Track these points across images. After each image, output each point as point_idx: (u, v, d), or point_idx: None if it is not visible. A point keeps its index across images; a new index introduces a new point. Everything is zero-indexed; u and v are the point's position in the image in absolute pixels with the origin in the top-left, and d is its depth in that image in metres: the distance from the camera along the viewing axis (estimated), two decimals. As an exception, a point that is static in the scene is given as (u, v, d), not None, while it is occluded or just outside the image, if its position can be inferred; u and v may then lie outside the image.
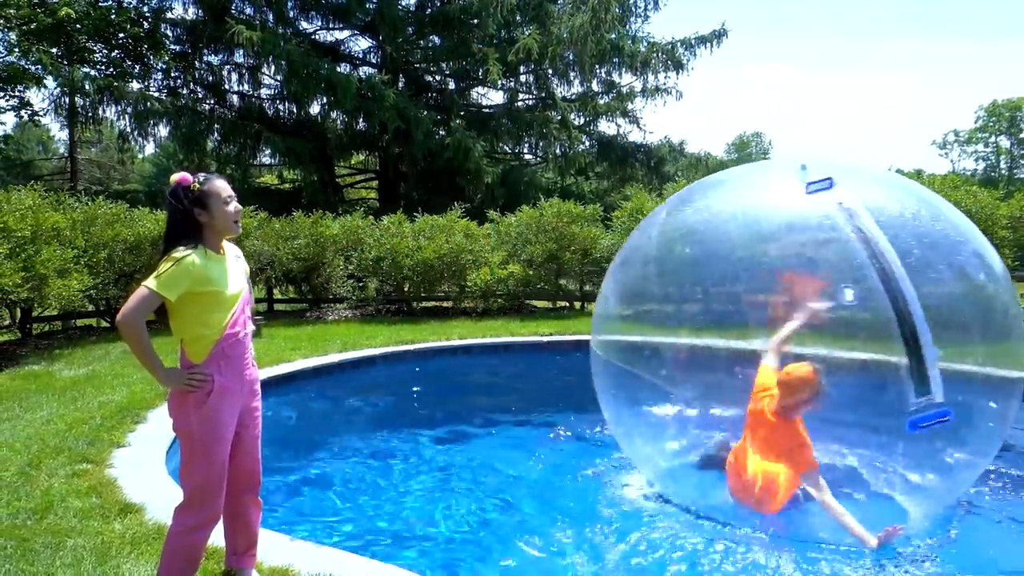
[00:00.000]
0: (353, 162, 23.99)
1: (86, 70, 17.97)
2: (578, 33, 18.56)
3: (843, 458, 4.28)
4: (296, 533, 3.66)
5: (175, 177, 2.66)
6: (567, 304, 13.93)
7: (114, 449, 4.76)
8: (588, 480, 4.70)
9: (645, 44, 21.35)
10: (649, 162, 22.07)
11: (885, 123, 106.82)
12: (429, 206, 15.18)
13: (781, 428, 3.72)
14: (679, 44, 20.76)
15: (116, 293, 10.20)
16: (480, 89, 22.07)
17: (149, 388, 6.33)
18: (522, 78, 21.41)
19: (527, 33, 18.71)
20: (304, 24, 20.53)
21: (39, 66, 17.06)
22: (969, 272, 3.51)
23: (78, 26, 17.23)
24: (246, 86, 20.62)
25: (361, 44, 21.93)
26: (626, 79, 21.95)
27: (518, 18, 19.96)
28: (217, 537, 3.13)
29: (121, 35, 18.45)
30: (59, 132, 38.74)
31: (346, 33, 21.10)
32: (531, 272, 13.00)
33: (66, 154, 27.28)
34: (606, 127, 22.82)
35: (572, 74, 20.88)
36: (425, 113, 18.04)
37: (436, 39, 20.58)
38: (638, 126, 22.75)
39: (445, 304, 13.78)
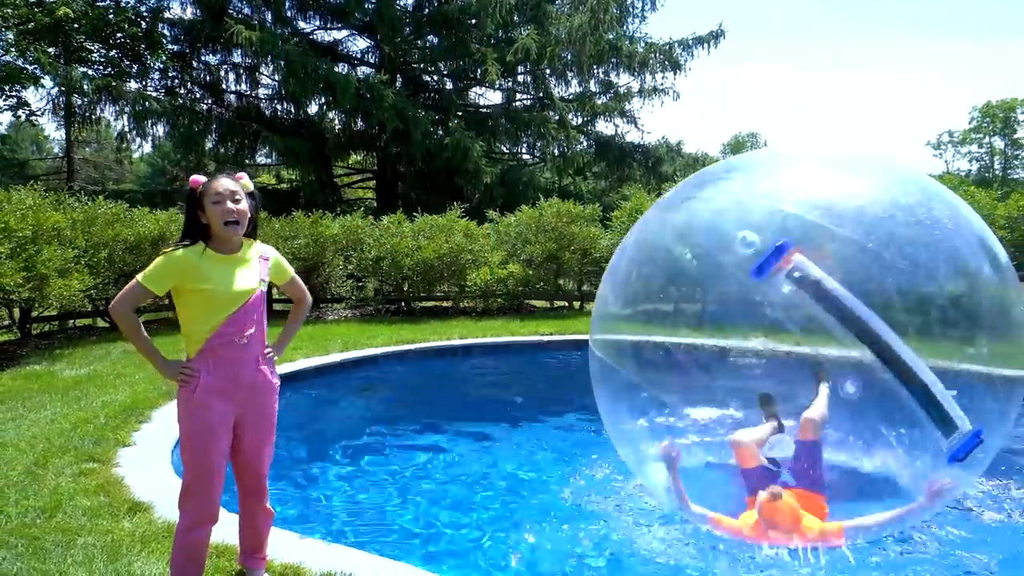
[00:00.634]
0: (350, 162, 24.00)
1: (84, 70, 17.95)
2: (577, 33, 18.61)
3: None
4: (302, 531, 3.68)
5: (190, 179, 2.73)
6: (566, 304, 13.97)
7: (120, 448, 4.77)
8: (592, 479, 4.74)
9: (643, 45, 21.41)
10: (647, 162, 22.12)
11: (879, 123, 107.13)
12: (427, 206, 15.20)
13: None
14: (677, 45, 20.82)
15: (116, 293, 10.17)
16: (478, 89, 22.10)
17: (152, 388, 6.35)
18: (520, 78, 21.45)
19: (525, 33, 18.74)
20: (302, 24, 20.54)
21: (37, 66, 17.02)
22: (974, 267, 3.46)
23: (76, 26, 17.21)
24: (244, 86, 20.63)
25: (359, 44, 21.94)
26: (624, 79, 22.04)
27: (516, 18, 19.99)
28: (231, 535, 3.16)
29: (119, 35, 18.44)
30: (55, 132, 38.67)
31: (344, 33, 21.12)
32: (531, 272, 13.03)
33: (60, 154, 27.25)
34: (604, 127, 22.90)
35: (570, 74, 20.93)
36: (423, 113, 18.06)
37: (434, 39, 20.60)
38: (636, 126, 22.81)
39: (444, 304, 13.80)
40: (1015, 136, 56.95)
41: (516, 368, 8.96)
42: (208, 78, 20.24)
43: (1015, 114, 56.27)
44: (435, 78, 21.71)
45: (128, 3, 19.12)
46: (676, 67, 20.93)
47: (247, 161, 20.19)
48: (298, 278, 3.14)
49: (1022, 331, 3.44)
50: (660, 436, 4.13)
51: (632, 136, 23.59)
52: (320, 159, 19.81)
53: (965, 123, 63.06)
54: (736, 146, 69.03)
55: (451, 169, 18.86)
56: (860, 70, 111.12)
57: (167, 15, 19.66)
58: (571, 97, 21.71)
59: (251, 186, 2.78)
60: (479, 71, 19.42)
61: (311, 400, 7.08)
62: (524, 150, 22.90)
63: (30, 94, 17.73)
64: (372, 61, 20.75)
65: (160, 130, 18.05)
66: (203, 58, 20.15)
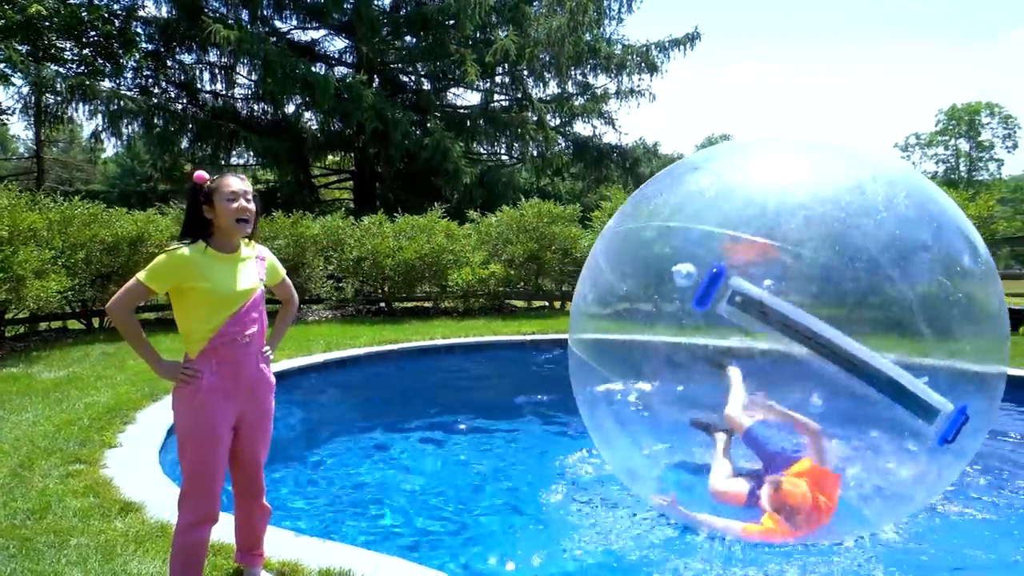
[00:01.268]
0: (327, 162, 23.85)
1: (56, 68, 17.61)
2: (556, 35, 18.72)
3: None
4: (295, 530, 3.68)
5: (195, 175, 2.70)
6: (547, 304, 14.03)
7: (106, 449, 4.72)
8: (576, 475, 4.80)
9: (620, 47, 21.58)
10: (624, 163, 22.30)
11: (848, 125, 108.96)
12: (406, 207, 15.20)
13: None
14: (653, 47, 21.04)
15: (93, 294, 10.04)
16: (456, 90, 22.11)
17: (135, 389, 6.28)
18: (498, 79, 21.49)
19: (505, 35, 18.79)
20: (278, 23, 20.40)
21: (7, 64, 16.67)
22: (955, 260, 3.40)
23: (48, 23, 16.90)
24: (219, 85, 20.40)
25: (336, 44, 21.83)
26: (601, 81, 22.20)
27: (494, 19, 20.04)
28: (227, 534, 3.16)
29: (92, 33, 18.13)
30: (22, 131, 37.88)
31: (321, 33, 21.00)
32: (512, 272, 13.07)
33: (27, 154, 26.69)
34: (582, 128, 23.08)
35: (548, 75, 21.04)
36: (403, 114, 18.01)
37: (413, 40, 20.56)
38: (613, 127, 23.00)
39: (425, 304, 13.79)
40: (980, 139, 58.35)
41: (501, 367, 9.00)
42: (183, 77, 19.99)
43: (979, 117, 57.71)
44: (413, 79, 21.67)
45: (102, 1, 18.82)
46: (653, 69, 21.15)
47: (223, 161, 19.97)
48: (288, 279, 3.16)
49: (1000, 326, 3.50)
50: (637, 435, 4.11)
51: (610, 137, 23.88)
52: (299, 159, 19.67)
53: (932, 126, 64.47)
54: (709, 146, 69.77)
55: (430, 170, 18.84)
56: (830, 72, 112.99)
57: (141, 13, 19.41)
58: (549, 98, 21.81)
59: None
60: (457, 72, 19.42)
61: (295, 401, 7.05)
62: (503, 151, 22.96)
63: None
64: (349, 61, 20.65)
65: (135, 130, 17.74)
66: (178, 57, 19.90)
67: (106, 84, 18.08)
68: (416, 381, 8.29)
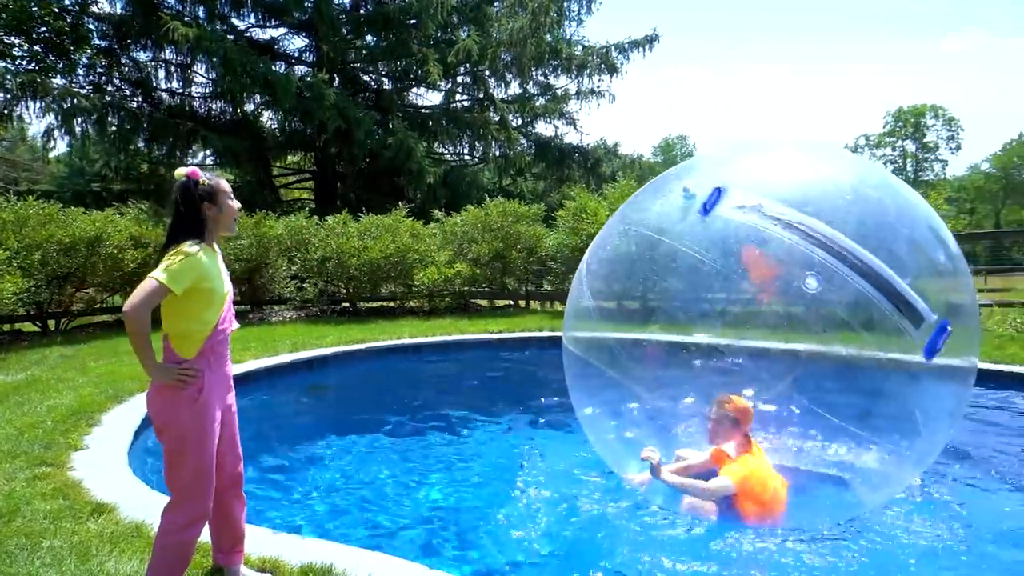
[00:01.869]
0: (287, 162, 23.56)
1: (4, 64, 17.05)
2: (518, 35, 18.82)
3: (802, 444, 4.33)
4: (274, 528, 3.69)
5: (185, 171, 2.65)
6: (512, 303, 14.12)
7: (72, 452, 4.65)
8: (562, 472, 4.89)
9: (580, 48, 21.81)
10: (586, 163, 22.52)
11: (800, 125, 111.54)
12: (368, 206, 15.11)
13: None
14: (613, 48, 21.29)
15: (48, 296, 9.78)
16: (417, 90, 22.06)
17: (98, 391, 6.18)
18: (460, 79, 21.51)
19: (466, 35, 18.83)
20: (236, 21, 20.09)
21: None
22: (928, 252, 3.52)
23: (-4, 18, 16.35)
24: (176, 83, 20.00)
25: (296, 43, 21.61)
26: (562, 81, 22.41)
27: (456, 19, 20.06)
28: (203, 531, 3.16)
29: (43, 29, 17.58)
30: (-34, 129, 36.42)
31: (281, 31, 20.76)
32: (477, 271, 13.13)
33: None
34: (543, 128, 23.28)
35: (509, 76, 21.13)
36: (365, 113, 17.91)
37: (374, 39, 20.45)
38: (575, 128, 23.23)
39: (391, 304, 13.76)
40: (925, 140, 60.42)
41: (469, 365, 9.04)
42: (137, 75, 19.55)
43: (924, 119, 59.77)
44: (374, 78, 21.56)
45: (53, -3, 18.25)
46: (612, 70, 21.40)
47: (181, 161, 19.57)
48: None
49: (971, 320, 3.58)
50: (628, 426, 4.23)
51: (571, 137, 24.12)
52: (259, 159, 19.40)
53: (880, 127, 66.49)
54: (667, 148, 70.99)
55: (392, 169, 18.78)
56: (781, 73, 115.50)
57: (95, 9, 18.88)
58: (511, 98, 21.92)
59: None
60: (420, 71, 19.39)
61: (262, 402, 7.01)
62: (465, 151, 22.99)
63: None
64: (310, 60, 20.45)
65: (88, 128, 17.26)
66: (132, 54, 19.46)
67: (58, 81, 17.56)
68: (386, 380, 8.30)
